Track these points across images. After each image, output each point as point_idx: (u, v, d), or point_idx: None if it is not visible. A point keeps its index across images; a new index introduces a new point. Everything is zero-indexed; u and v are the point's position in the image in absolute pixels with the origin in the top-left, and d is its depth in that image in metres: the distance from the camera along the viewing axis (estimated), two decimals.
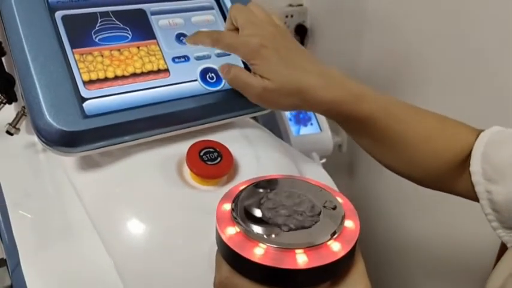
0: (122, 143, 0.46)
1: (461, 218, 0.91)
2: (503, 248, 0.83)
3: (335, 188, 0.53)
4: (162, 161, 0.48)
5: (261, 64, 0.46)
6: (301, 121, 0.85)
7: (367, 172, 1.15)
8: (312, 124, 0.85)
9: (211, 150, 0.48)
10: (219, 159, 0.47)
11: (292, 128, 0.84)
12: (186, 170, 0.47)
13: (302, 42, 1.18)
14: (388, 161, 0.53)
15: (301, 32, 1.17)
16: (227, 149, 0.48)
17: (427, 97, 0.92)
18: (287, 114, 0.85)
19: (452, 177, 0.51)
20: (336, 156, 0.97)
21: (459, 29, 0.84)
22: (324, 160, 0.84)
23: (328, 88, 0.46)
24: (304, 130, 0.85)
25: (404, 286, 1.10)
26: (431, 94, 0.92)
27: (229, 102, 0.51)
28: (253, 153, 0.51)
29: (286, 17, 1.15)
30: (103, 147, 0.46)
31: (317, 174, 0.57)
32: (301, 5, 1.17)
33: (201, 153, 0.47)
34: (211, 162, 0.47)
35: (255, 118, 0.59)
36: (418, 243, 1.04)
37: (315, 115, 0.87)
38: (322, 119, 0.87)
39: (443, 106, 0.86)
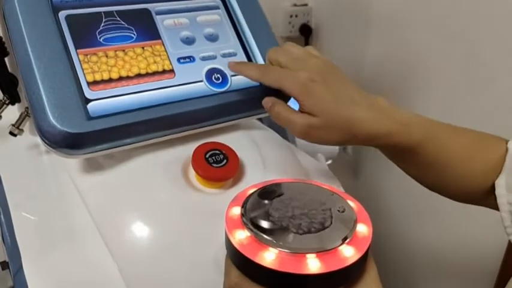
0: (126, 145, 0.46)
1: (467, 220, 0.90)
2: (509, 251, 0.82)
3: (343, 190, 0.52)
4: (167, 163, 0.47)
5: (310, 101, 0.44)
6: None
7: (372, 174, 1.15)
8: None
9: (217, 152, 0.47)
10: (225, 161, 0.47)
11: None
12: (192, 172, 0.47)
13: (307, 42, 1.18)
14: (427, 182, 0.53)
15: (306, 32, 1.17)
16: (233, 151, 0.48)
17: (431, 98, 0.91)
18: None
19: (485, 192, 0.50)
20: (341, 157, 0.96)
21: (464, 30, 0.83)
22: (329, 162, 0.83)
23: (378, 121, 0.45)
24: None
25: None
26: (436, 95, 0.91)
27: (235, 104, 0.51)
28: (259, 156, 0.51)
29: (291, 16, 1.15)
30: (107, 149, 0.45)
31: (324, 176, 0.56)
32: (305, 4, 1.17)
33: (207, 156, 0.46)
34: (217, 165, 0.46)
35: (260, 119, 0.58)
36: (423, 245, 1.03)
37: None
38: None
39: (447, 107, 0.85)
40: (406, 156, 0.48)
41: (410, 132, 0.46)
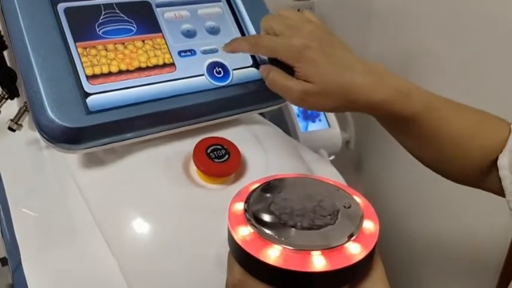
0: (126, 139, 0.45)
1: (471, 215, 0.90)
2: None
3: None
4: (167, 158, 0.47)
5: (306, 67, 0.44)
6: (310, 117, 0.83)
7: (374, 169, 1.14)
8: (320, 120, 0.84)
9: (218, 147, 0.46)
10: (226, 156, 0.46)
11: (300, 124, 0.82)
12: (193, 168, 0.46)
13: None
14: (425, 157, 0.52)
15: None
16: (235, 146, 0.47)
17: (434, 91, 0.90)
18: (295, 110, 0.83)
19: (485, 173, 0.49)
20: (344, 152, 0.96)
21: (467, 23, 0.82)
22: (332, 157, 0.82)
23: (376, 88, 0.44)
24: (312, 126, 0.84)
25: (414, 284, 1.09)
26: (439, 89, 0.90)
27: (236, 98, 0.50)
28: (261, 151, 0.50)
29: None
30: (107, 144, 0.44)
31: (327, 172, 0.55)
32: None
33: (208, 151, 0.46)
34: (219, 160, 0.45)
35: (262, 114, 0.57)
36: (427, 240, 1.03)
37: None
38: (331, 114, 0.85)
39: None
40: (403, 126, 0.47)
41: (409, 101, 0.45)
